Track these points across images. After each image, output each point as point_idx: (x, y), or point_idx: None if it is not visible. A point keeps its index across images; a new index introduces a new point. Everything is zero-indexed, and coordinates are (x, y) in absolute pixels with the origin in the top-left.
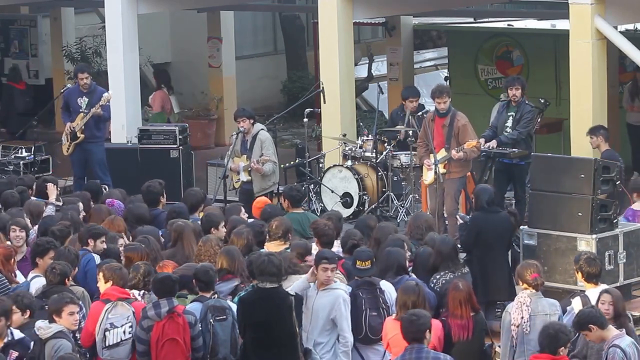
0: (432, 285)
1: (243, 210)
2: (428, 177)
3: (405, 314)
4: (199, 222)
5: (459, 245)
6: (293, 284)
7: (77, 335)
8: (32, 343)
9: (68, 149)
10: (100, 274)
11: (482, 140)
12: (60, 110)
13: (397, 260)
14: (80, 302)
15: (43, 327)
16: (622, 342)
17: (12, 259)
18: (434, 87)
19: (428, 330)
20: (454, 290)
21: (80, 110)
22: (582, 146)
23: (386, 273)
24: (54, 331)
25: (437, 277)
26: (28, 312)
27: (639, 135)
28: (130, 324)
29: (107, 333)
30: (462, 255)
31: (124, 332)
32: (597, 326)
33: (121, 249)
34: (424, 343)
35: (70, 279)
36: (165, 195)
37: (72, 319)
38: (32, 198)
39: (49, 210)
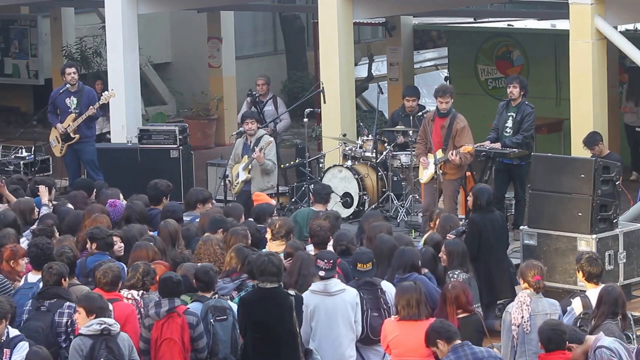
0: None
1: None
2: (424, 176)
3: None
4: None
5: None
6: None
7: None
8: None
9: (61, 150)
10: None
11: (486, 143)
12: (48, 113)
13: (410, 260)
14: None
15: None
16: (604, 342)
17: (18, 259)
18: (437, 86)
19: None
20: (446, 290)
21: (70, 110)
22: (582, 146)
23: (397, 270)
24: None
25: (456, 273)
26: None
27: (634, 135)
28: None
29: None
30: None
31: None
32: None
33: (115, 247)
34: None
35: (68, 279)
36: (168, 198)
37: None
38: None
39: (44, 212)
